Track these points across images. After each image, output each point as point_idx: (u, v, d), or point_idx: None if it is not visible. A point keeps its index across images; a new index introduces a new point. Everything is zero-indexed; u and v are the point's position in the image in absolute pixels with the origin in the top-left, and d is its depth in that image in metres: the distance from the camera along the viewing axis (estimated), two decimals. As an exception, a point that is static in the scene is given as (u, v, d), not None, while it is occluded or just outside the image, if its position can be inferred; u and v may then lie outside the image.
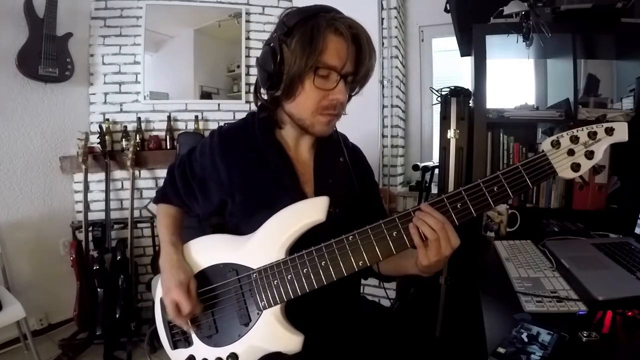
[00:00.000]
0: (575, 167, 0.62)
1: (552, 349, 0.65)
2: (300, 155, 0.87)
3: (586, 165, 0.62)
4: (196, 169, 0.89)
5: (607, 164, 1.42)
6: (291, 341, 0.71)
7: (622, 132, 0.62)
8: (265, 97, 0.84)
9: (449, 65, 2.37)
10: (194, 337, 0.79)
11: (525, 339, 0.68)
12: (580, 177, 0.65)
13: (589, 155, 0.62)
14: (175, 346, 0.82)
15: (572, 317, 0.76)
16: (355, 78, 0.79)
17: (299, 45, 0.71)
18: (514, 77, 2.04)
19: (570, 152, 0.63)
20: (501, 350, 0.65)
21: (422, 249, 0.65)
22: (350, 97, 0.83)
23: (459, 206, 0.64)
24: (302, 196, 0.79)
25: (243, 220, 0.82)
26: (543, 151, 0.64)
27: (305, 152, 0.87)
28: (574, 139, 0.63)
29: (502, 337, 0.69)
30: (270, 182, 0.82)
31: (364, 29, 0.75)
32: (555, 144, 0.63)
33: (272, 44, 0.74)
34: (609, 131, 0.62)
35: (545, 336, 0.68)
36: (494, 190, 0.64)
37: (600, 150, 0.62)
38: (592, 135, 0.62)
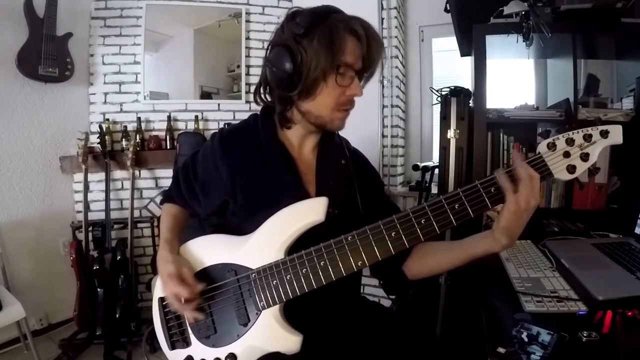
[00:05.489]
0: (571, 169, 0.63)
1: (552, 349, 0.64)
2: (303, 156, 0.87)
3: (581, 167, 0.63)
4: (199, 171, 0.90)
5: (607, 164, 1.41)
6: (290, 341, 0.71)
7: (616, 135, 0.62)
8: (269, 97, 0.84)
9: (449, 65, 2.36)
10: (192, 337, 0.79)
11: (525, 339, 0.67)
12: (577, 179, 0.66)
13: (584, 157, 0.63)
14: (173, 346, 0.82)
15: (572, 317, 0.75)
16: (366, 74, 0.82)
17: (322, 45, 0.72)
18: (514, 77, 2.04)
19: (566, 154, 0.63)
20: (501, 350, 0.65)
21: (511, 194, 0.62)
22: None
23: (456, 207, 0.65)
24: (305, 196, 0.79)
25: (246, 220, 0.82)
26: (539, 153, 0.64)
27: (308, 152, 0.88)
28: (570, 141, 0.63)
29: (502, 337, 0.69)
30: (273, 181, 0.82)
31: (374, 28, 0.79)
32: (552, 146, 0.64)
33: (288, 44, 0.74)
34: (604, 134, 0.62)
35: (545, 336, 0.68)
36: (491, 192, 0.64)
37: (596, 152, 0.63)
38: (588, 137, 0.63)
